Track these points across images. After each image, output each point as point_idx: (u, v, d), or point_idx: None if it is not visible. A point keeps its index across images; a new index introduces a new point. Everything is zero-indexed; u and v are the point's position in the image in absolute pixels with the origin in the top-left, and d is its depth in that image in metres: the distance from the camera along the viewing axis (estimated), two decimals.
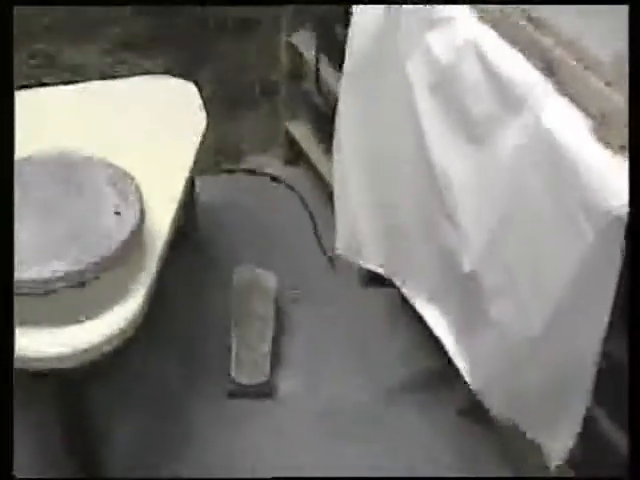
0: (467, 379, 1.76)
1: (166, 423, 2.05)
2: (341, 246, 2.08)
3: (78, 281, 1.59)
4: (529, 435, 1.65)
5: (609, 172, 1.29)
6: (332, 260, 2.43)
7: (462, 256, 1.64)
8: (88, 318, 1.60)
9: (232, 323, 2.21)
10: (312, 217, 2.56)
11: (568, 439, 1.54)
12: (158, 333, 2.20)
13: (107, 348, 1.60)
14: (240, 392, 2.11)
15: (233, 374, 2.11)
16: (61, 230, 1.65)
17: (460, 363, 1.77)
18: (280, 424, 2.07)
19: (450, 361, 1.94)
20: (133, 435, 2.01)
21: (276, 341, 2.20)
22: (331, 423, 2.07)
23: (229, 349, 2.16)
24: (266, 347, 2.16)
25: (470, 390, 1.94)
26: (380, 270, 2.00)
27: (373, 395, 2.13)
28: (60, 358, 1.56)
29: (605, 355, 1.46)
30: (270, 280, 2.29)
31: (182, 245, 2.10)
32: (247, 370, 2.12)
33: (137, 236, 1.68)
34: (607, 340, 1.43)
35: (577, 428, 1.53)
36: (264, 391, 2.11)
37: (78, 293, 1.60)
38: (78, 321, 1.59)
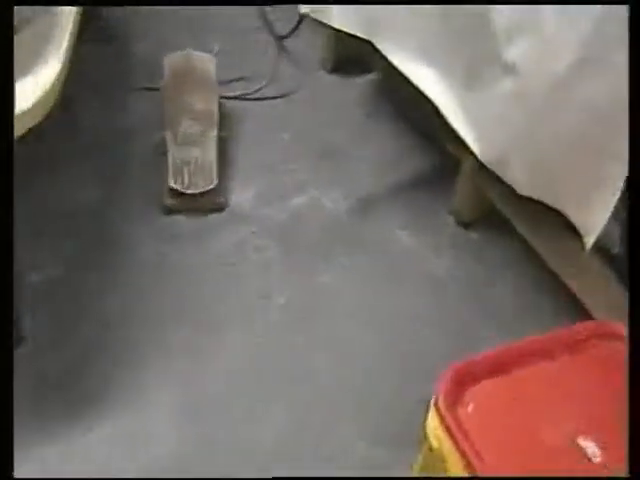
0: (476, 150, 1.52)
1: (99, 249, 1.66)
2: (307, 6, 1.76)
3: None
4: (558, 207, 1.46)
5: None
6: (282, 41, 2.06)
7: None
8: None
9: (166, 124, 1.78)
10: None
11: (603, 212, 1.36)
12: (77, 147, 1.81)
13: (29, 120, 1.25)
14: (182, 206, 1.69)
15: (172, 184, 1.68)
16: None
17: (465, 132, 1.53)
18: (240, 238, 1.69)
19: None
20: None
21: (221, 143, 1.79)
22: (295, 234, 1.73)
23: (164, 153, 1.75)
24: (211, 151, 1.75)
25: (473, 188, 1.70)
26: (353, 31, 1.68)
27: (345, 202, 1.79)
28: None
29: None
30: (209, 64, 1.86)
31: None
32: (189, 178, 1.70)
33: None
34: None
35: (614, 199, 1.33)
36: (215, 202, 1.71)
37: None
38: None
